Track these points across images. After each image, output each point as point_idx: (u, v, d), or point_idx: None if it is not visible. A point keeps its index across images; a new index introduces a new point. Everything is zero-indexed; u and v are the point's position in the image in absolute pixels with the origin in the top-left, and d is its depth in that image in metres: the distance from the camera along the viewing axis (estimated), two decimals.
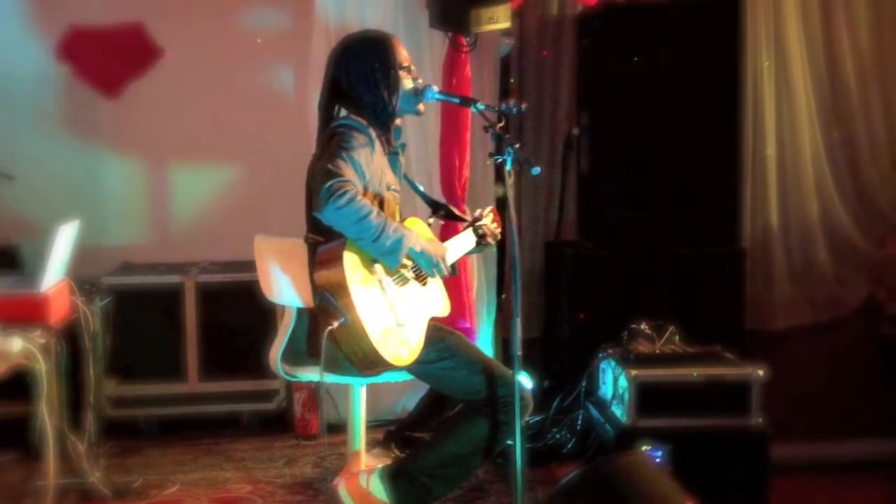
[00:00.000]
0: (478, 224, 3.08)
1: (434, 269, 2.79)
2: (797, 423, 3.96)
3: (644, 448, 3.42)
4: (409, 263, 2.77)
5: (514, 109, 4.55)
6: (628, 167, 4.35)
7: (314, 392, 4.22)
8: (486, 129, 2.77)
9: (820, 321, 4.68)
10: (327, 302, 2.66)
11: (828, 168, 4.72)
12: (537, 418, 4.09)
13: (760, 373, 3.52)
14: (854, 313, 4.68)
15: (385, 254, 2.66)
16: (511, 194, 2.68)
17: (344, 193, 2.55)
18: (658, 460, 3.41)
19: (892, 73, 4.76)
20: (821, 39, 4.71)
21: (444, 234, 3.58)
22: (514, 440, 2.65)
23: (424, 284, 2.85)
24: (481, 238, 3.07)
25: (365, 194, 2.70)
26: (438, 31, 4.25)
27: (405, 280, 2.79)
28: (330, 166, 2.62)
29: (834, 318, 4.68)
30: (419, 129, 4.37)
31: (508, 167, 2.69)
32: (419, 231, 2.88)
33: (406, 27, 4.27)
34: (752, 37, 4.60)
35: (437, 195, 4.26)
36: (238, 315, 4.26)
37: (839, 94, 4.73)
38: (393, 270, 2.73)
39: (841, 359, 4.50)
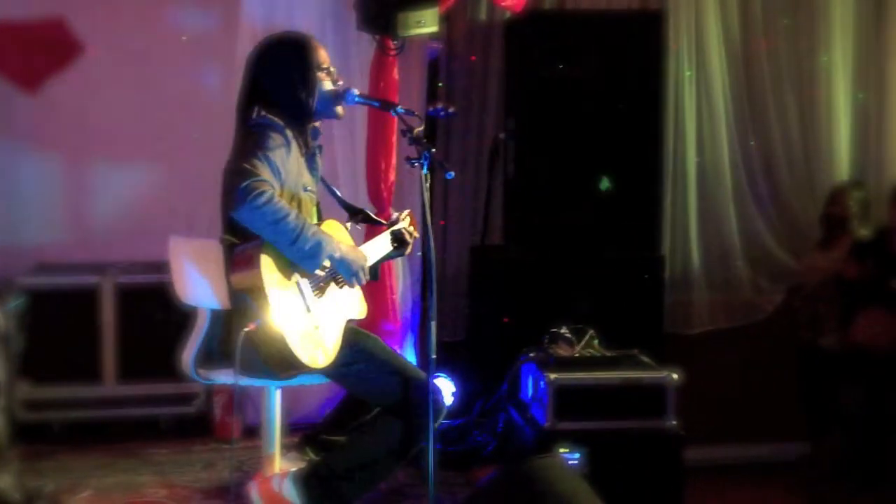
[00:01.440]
0: (395, 228, 3.08)
1: (353, 279, 2.78)
2: (712, 426, 4.05)
3: (562, 450, 3.46)
4: (328, 265, 2.76)
5: (442, 113, 4.64)
6: (554, 172, 4.40)
7: (234, 395, 4.16)
8: (403, 132, 2.78)
9: (736, 326, 4.79)
10: (243, 304, 2.63)
11: (745, 176, 4.84)
12: (460, 421, 4.12)
13: (675, 376, 3.59)
14: (769, 319, 4.81)
15: (303, 258, 2.64)
16: (427, 198, 2.69)
17: (261, 193, 2.53)
18: (575, 462, 3.46)
19: (808, 82, 4.90)
20: (740, 50, 4.83)
21: (368, 238, 3.56)
22: (428, 443, 2.65)
23: (342, 287, 2.84)
24: (398, 242, 3.07)
25: (281, 195, 2.69)
26: (366, 34, 4.24)
27: (323, 283, 2.78)
28: (246, 165, 2.60)
29: (750, 324, 4.79)
30: (346, 132, 4.36)
31: (425, 171, 2.69)
32: (338, 235, 2.87)
33: (334, 29, 4.26)
34: (674, 47, 4.70)
35: (364, 198, 4.27)
36: (158, 317, 4.17)
37: (757, 103, 4.86)
38: (311, 274, 2.72)
39: (755, 364, 4.62)
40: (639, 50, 4.40)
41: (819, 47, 4.90)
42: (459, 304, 4.72)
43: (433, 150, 2.69)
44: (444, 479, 3.66)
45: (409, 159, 2.75)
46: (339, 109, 2.94)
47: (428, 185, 2.70)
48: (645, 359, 3.77)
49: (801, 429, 4.32)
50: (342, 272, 2.76)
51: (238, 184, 2.54)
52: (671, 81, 4.67)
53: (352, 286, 2.81)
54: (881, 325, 4.13)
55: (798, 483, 4.11)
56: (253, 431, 4.14)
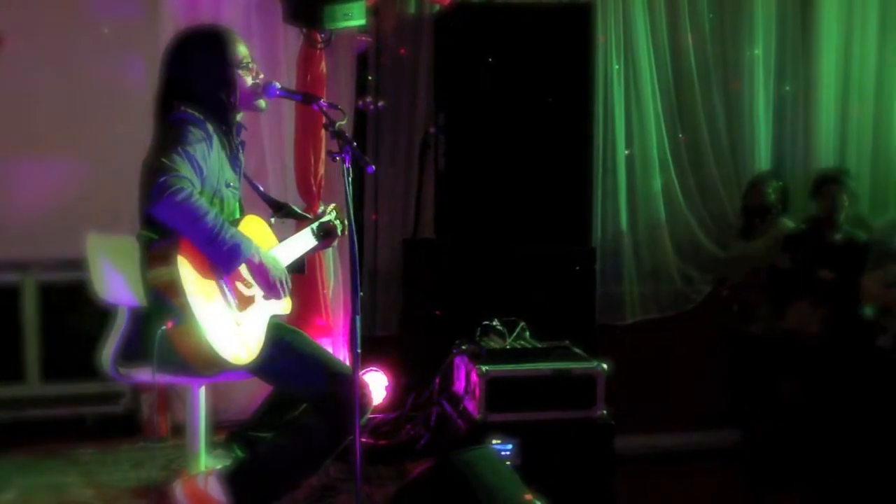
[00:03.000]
0: (321, 221, 3.05)
1: (270, 292, 2.70)
2: (643, 415, 4.11)
3: (493, 442, 3.48)
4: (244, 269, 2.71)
5: (372, 107, 4.62)
6: (484, 166, 4.41)
7: (162, 393, 4.10)
8: (325, 126, 2.75)
9: (666, 317, 4.87)
10: (161, 301, 2.58)
11: (674, 169, 4.92)
12: (393, 415, 4.11)
13: (605, 367, 3.63)
14: (698, 309, 4.89)
15: (220, 259, 2.59)
16: (349, 192, 2.67)
17: (179, 190, 2.49)
18: (507, 454, 3.48)
19: (734, 76, 4.99)
20: (667, 45, 4.90)
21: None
22: (355, 439, 2.64)
23: None
24: (324, 236, 3.04)
25: (202, 192, 2.64)
26: (293, 28, 4.20)
27: (245, 281, 2.74)
28: (165, 160, 2.54)
29: (679, 314, 4.88)
30: (274, 126, 4.31)
31: (347, 164, 2.67)
32: (260, 231, 2.84)
33: (260, 22, 4.20)
34: (602, 39, 4.74)
35: (293, 192, 4.22)
36: (82, 315, 4.07)
37: (685, 97, 4.94)
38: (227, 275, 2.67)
39: (685, 353, 4.71)
40: (567, 43, 4.43)
41: (744, 42, 4.99)
42: (391, 298, 4.70)
43: (354, 143, 2.67)
44: (376, 473, 3.67)
45: (330, 153, 2.72)
46: (261, 103, 2.90)
47: (350, 178, 2.67)
48: (576, 350, 3.81)
49: (732, 417, 4.42)
50: (258, 280, 2.69)
51: (156, 179, 2.49)
52: (600, 75, 4.72)
53: (266, 299, 2.74)
54: (811, 314, 4.23)
55: (730, 470, 4.19)
56: (182, 429, 4.08)
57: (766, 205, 4.57)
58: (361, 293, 4.47)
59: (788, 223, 4.54)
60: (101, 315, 3.97)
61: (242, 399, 4.13)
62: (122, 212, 4.30)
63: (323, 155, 4.20)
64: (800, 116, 5.06)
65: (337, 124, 2.71)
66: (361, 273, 4.49)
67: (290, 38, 4.28)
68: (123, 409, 4.20)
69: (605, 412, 3.61)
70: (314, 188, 4.22)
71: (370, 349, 3.79)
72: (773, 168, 4.94)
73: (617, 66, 4.83)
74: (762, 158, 4.98)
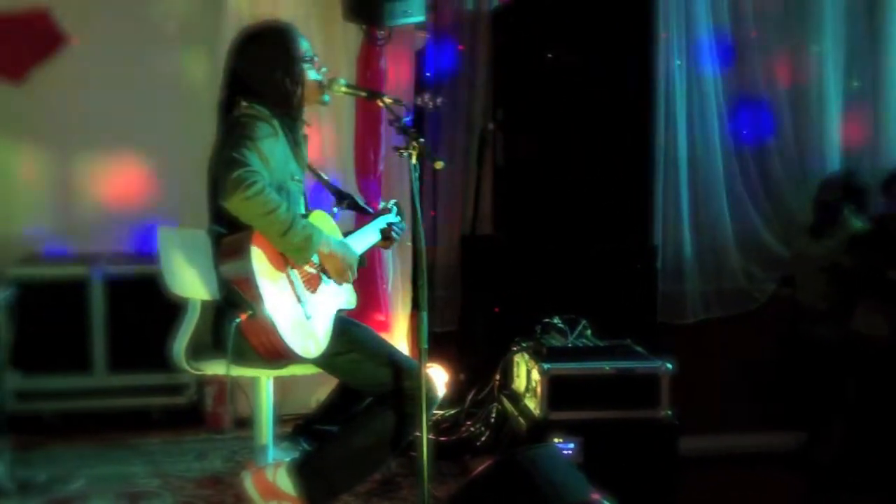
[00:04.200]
0: (381, 219, 3.06)
1: (339, 278, 2.75)
2: (706, 416, 4.05)
3: (555, 440, 3.46)
4: (317, 260, 2.73)
5: (430, 104, 4.62)
6: (543, 162, 4.39)
7: (226, 386, 4.15)
8: (391, 122, 2.76)
9: (729, 315, 4.79)
10: (234, 295, 2.61)
11: (737, 165, 4.84)
12: (452, 411, 4.11)
13: (669, 366, 3.58)
14: (762, 308, 4.81)
15: (293, 250, 2.62)
16: (416, 188, 2.67)
17: (252, 184, 2.51)
18: (569, 453, 3.45)
19: (800, 71, 4.89)
20: (731, 39, 4.82)
21: (356, 226, 3.54)
22: (421, 433, 2.64)
23: (331, 279, 2.82)
24: (386, 233, 3.05)
25: (269, 185, 2.66)
26: (353, 25, 4.22)
27: (314, 274, 2.76)
28: (235, 155, 2.57)
29: (742, 313, 4.79)
30: (335, 122, 4.34)
31: (414, 161, 2.68)
32: (325, 226, 2.85)
33: (319, 19, 4.23)
34: (664, 35, 4.68)
35: (353, 188, 4.24)
36: (147, 307, 4.14)
37: (748, 93, 4.85)
38: (300, 266, 2.70)
39: (748, 353, 4.62)
40: (628, 39, 4.39)
41: (811, 36, 4.89)
42: (450, 294, 4.70)
43: (422, 139, 2.67)
44: (437, 470, 3.67)
45: (397, 149, 2.73)
46: (325, 97, 2.92)
47: (417, 174, 2.68)
48: (638, 348, 3.76)
49: (798, 419, 4.33)
50: (329, 267, 2.74)
51: (228, 174, 2.52)
52: (662, 70, 4.66)
53: (339, 283, 2.78)
54: (880, 316, 4.13)
55: (795, 473, 4.11)
56: (244, 422, 4.14)
57: (836, 203, 4.47)
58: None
59: (858, 223, 4.44)
60: (167, 307, 4.08)
61: (302, 392, 4.18)
62: (187, 206, 4.43)
63: (383, 151, 4.22)
64: (868, 112, 4.94)
65: (403, 120, 2.72)
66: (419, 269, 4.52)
67: (350, 35, 4.30)
68: (188, 401, 4.27)
69: (669, 412, 3.57)
70: (373, 184, 4.24)
71: (431, 344, 3.80)
72: (844, 166, 4.83)
73: (679, 62, 4.76)
74: (830, 155, 4.87)
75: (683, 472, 3.58)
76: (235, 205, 2.53)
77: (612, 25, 4.37)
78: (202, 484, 3.60)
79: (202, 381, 4.20)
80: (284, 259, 2.67)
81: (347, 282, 2.79)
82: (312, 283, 2.75)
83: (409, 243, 4.14)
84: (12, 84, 4.53)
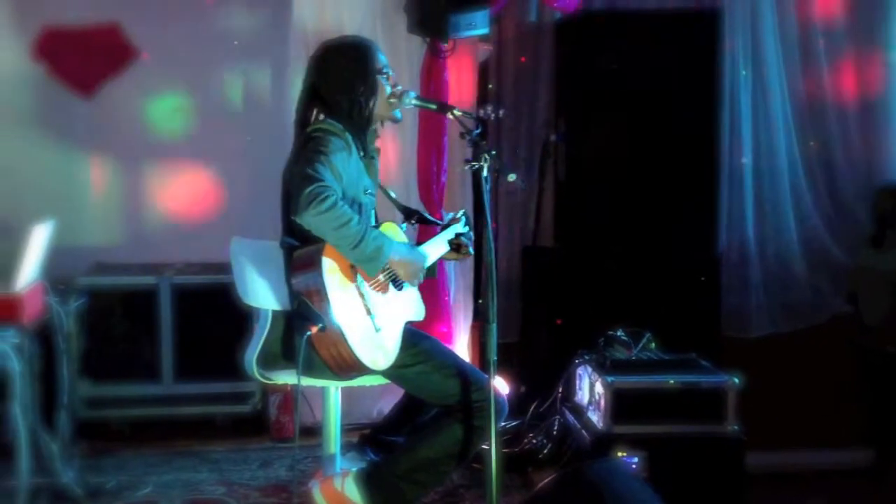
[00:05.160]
0: (451, 229, 3.07)
1: (413, 280, 2.79)
2: (773, 431, 3.98)
3: (620, 454, 3.43)
4: (388, 267, 2.76)
5: (492, 115, 4.63)
6: (605, 174, 4.37)
7: (290, 395, 4.20)
8: (462, 135, 2.77)
9: (795, 330, 4.70)
10: (305, 307, 2.65)
11: (804, 177, 4.76)
12: (513, 423, 4.10)
13: (736, 380, 3.54)
14: (829, 322, 4.71)
15: (364, 261, 2.64)
16: (487, 200, 2.68)
17: (326, 198, 2.54)
18: (633, 467, 3.42)
19: (867, 80, 4.80)
20: (798, 48, 4.75)
21: (420, 240, 3.57)
22: (489, 445, 2.64)
23: (400, 289, 2.85)
24: (455, 244, 3.06)
25: (342, 199, 2.69)
26: (416, 37, 4.25)
27: (382, 285, 2.78)
28: (309, 170, 2.60)
29: (809, 327, 4.70)
30: (397, 134, 4.37)
31: (485, 173, 2.68)
32: (395, 238, 2.87)
33: (384, 32, 4.27)
34: (729, 45, 4.63)
35: (415, 201, 4.27)
36: (213, 317, 4.23)
37: (815, 102, 4.78)
38: (371, 276, 2.72)
39: (816, 367, 4.52)
40: (693, 50, 4.36)
41: (879, 45, 4.80)
42: (511, 306, 4.70)
43: (493, 152, 2.68)
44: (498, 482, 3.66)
45: (468, 161, 2.74)
46: (397, 113, 2.94)
47: (489, 187, 2.69)
48: (704, 362, 3.72)
49: (866, 435, 4.24)
50: (402, 274, 2.77)
51: (303, 189, 2.55)
52: (727, 80, 4.61)
53: (412, 284, 2.82)
54: None
55: (864, 491, 4.02)
56: (306, 431, 4.18)
57: (893, 212, 4.36)
58: (480, 300, 4.54)
59: None
60: (232, 317, 4.16)
61: (365, 403, 4.21)
62: (250, 218, 4.50)
63: (445, 163, 4.25)
64: None
65: (474, 133, 2.73)
66: (481, 280, 4.53)
67: (413, 48, 4.34)
68: (251, 409, 4.32)
69: (735, 427, 3.52)
70: (436, 196, 4.26)
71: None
72: None
73: (744, 73, 4.71)
74: None
75: (750, 489, 3.53)
76: (309, 220, 2.56)
77: (677, 36, 4.35)
78: (267, 492, 3.64)
79: (266, 390, 4.25)
80: (355, 271, 2.69)
81: (419, 282, 2.81)
82: (381, 296, 2.77)
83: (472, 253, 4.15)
84: (83, 98, 4.65)
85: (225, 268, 4.14)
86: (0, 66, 4.58)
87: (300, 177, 2.59)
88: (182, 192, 4.76)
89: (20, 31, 4.57)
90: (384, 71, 2.88)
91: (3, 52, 4.56)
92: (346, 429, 3.37)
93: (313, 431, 3.60)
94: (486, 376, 2.68)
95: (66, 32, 4.60)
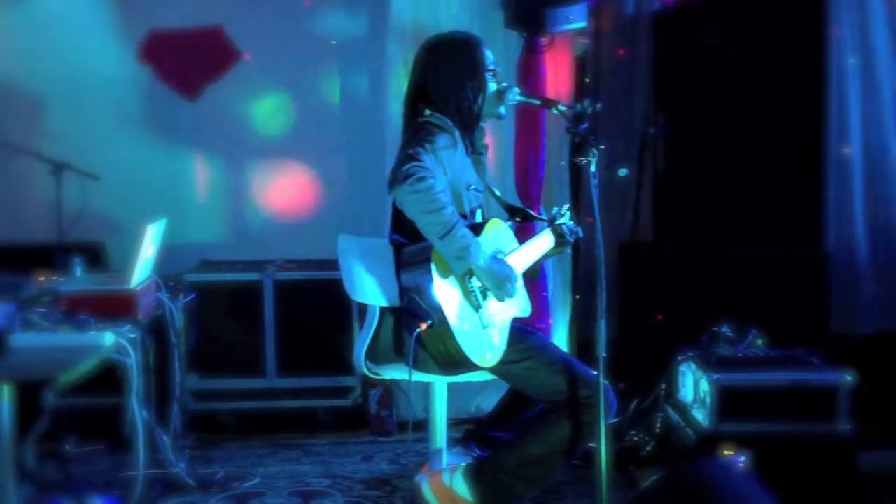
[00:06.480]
0: (556, 224, 3.06)
1: (500, 293, 2.70)
2: (887, 430, 3.84)
3: (725, 453, 3.36)
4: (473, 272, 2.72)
5: (589, 109, 4.58)
6: (706, 167, 4.29)
7: (389, 390, 4.25)
8: (568, 130, 2.75)
9: None
10: (414, 303, 2.67)
11: None
12: (614, 420, 4.05)
13: (848, 378, 3.43)
14: None
15: (450, 257, 2.62)
16: (595, 195, 2.66)
17: (423, 179, 2.54)
18: (741, 466, 3.35)
19: None
20: None
21: (522, 238, 3.56)
22: (598, 442, 2.62)
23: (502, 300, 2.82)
24: (561, 238, 3.04)
25: (444, 190, 2.69)
26: (513, 32, 4.25)
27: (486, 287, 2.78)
28: (411, 152, 2.63)
29: None
30: (493, 130, 4.37)
31: (593, 168, 2.66)
32: (502, 235, 2.87)
33: (481, 28, 4.27)
34: (836, 33, 4.47)
35: (512, 197, 4.27)
36: (314, 312, 4.31)
37: None
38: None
39: None
40: (798, 39, 4.23)
41: None
42: (609, 302, 4.62)
43: (602, 146, 2.65)
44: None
45: (576, 157, 2.72)
46: (502, 109, 2.94)
47: (596, 182, 2.66)
48: (814, 359, 3.62)
49: None
50: (487, 283, 2.70)
51: (400, 166, 2.57)
52: (834, 70, 4.45)
53: (500, 300, 2.74)
54: None
55: None
56: (405, 425, 4.23)
57: None
58: (577, 296, 4.51)
59: None
60: (334, 313, 4.25)
61: (465, 398, 4.24)
62: (349, 216, 4.58)
63: (543, 159, 4.23)
64: None
65: (580, 128, 2.71)
66: (577, 276, 4.51)
67: (510, 43, 4.33)
68: (352, 404, 4.38)
69: (847, 426, 3.41)
70: (534, 191, 4.25)
71: (588, 352, 3.77)
72: None
73: (853, 61, 4.54)
74: None
75: (863, 490, 3.42)
76: (402, 196, 2.57)
77: (780, 25, 4.23)
78: (370, 485, 3.69)
79: (366, 385, 4.31)
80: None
81: (509, 296, 2.76)
82: (489, 295, 2.77)
83: (569, 250, 4.13)
84: (188, 99, 4.78)
85: (325, 264, 4.26)
86: (109, 69, 4.74)
87: (401, 158, 2.61)
88: (283, 191, 4.86)
89: (127, 36, 4.73)
90: (491, 68, 2.88)
91: (111, 56, 4.73)
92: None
93: (413, 426, 3.67)
94: (595, 372, 2.67)
95: (171, 36, 4.74)
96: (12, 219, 4.64)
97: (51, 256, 3.87)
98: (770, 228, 4.24)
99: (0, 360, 2.68)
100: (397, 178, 2.55)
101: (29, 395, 2.70)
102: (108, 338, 2.87)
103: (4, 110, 4.61)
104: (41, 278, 3.42)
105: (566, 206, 3.15)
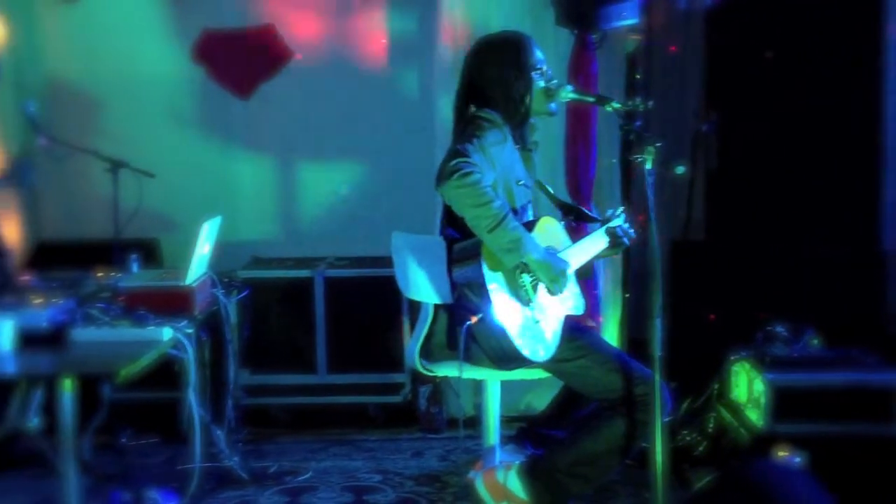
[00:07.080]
0: (611, 224, 3.04)
1: (553, 285, 2.72)
2: None
3: (780, 454, 3.33)
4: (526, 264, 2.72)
5: (640, 106, 4.55)
6: (759, 165, 4.25)
7: (439, 387, 4.26)
8: (621, 127, 2.74)
9: None
10: (465, 298, 2.68)
11: None
12: (667, 419, 4.02)
13: None
14: None
15: (501, 250, 2.63)
16: (651, 194, 2.64)
17: (469, 174, 2.56)
18: (797, 467, 3.31)
19: None
20: None
21: (573, 237, 3.54)
22: (653, 441, 2.61)
23: (553, 294, 2.82)
24: (615, 239, 3.03)
25: (493, 186, 2.70)
26: (564, 29, 4.23)
27: (539, 279, 2.78)
28: (459, 147, 2.65)
29: None
30: (544, 128, 4.35)
31: (649, 166, 2.65)
32: (553, 233, 2.87)
33: (531, 26, 4.25)
34: (893, 28, 4.39)
35: (562, 195, 4.25)
36: (365, 309, 4.34)
37: None
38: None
39: None
40: (854, 32, 4.17)
41: None
42: (662, 300, 4.59)
43: (658, 144, 2.64)
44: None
45: (629, 154, 2.70)
46: (553, 107, 2.94)
47: (652, 180, 2.65)
48: (870, 359, 3.56)
49: None
50: (541, 276, 2.71)
51: (448, 161, 2.59)
52: (892, 65, 4.37)
53: (552, 293, 2.76)
54: None
55: None
56: (454, 422, 4.24)
57: None
58: (627, 294, 4.47)
59: None
60: (384, 310, 4.27)
61: (514, 396, 4.22)
62: (400, 213, 4.59)
63: (595, 156, 4.21)
64: None
65: (635, 125, 2.69)
66: (628, 274, 4.47)
67: (561, 40, 4.31)
68: (402, 400, 4.40)
69: None
70: (585, 190, 4.22)
71: (639, 351, 3.75)
72: None
73: None
74: None
75: None
76: (449, 192, 2.59)
77: (834, 20, 4.17)
78: (420, 481, 3.71)
79: (416, 382, 4.33)
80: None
81: (561, 290, 2.77)
82: (542, 291, 2.77)
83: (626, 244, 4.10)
84: (241, 98, 4.84)
85: (376, 261, 4.29)
86: (163, 68, 4.80)
87: (450, 152, 2.63)
88: (333, 188, 4.89)
89: (181, 35, 4.79)
90: (538, 66, 2.88)
91: (165, 56, 4.79)
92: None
93: (464, 423, 3.67)
94: (650, 371, 2.66)
95: (224, 36, 4.80)
96: (71, 216, 4.74)
97: (108, 253, 3.95)
98: (825, 227, 4.19)
99: (62, 354, 2.75)
100: (444, 174, 2.58)
101: (87, 389, 2.77)
102: (167, 333, 2.92)
103: (63, 110, 4.70)
104: (99, 274, 3.50)
105: (621, 208, 3.13)
